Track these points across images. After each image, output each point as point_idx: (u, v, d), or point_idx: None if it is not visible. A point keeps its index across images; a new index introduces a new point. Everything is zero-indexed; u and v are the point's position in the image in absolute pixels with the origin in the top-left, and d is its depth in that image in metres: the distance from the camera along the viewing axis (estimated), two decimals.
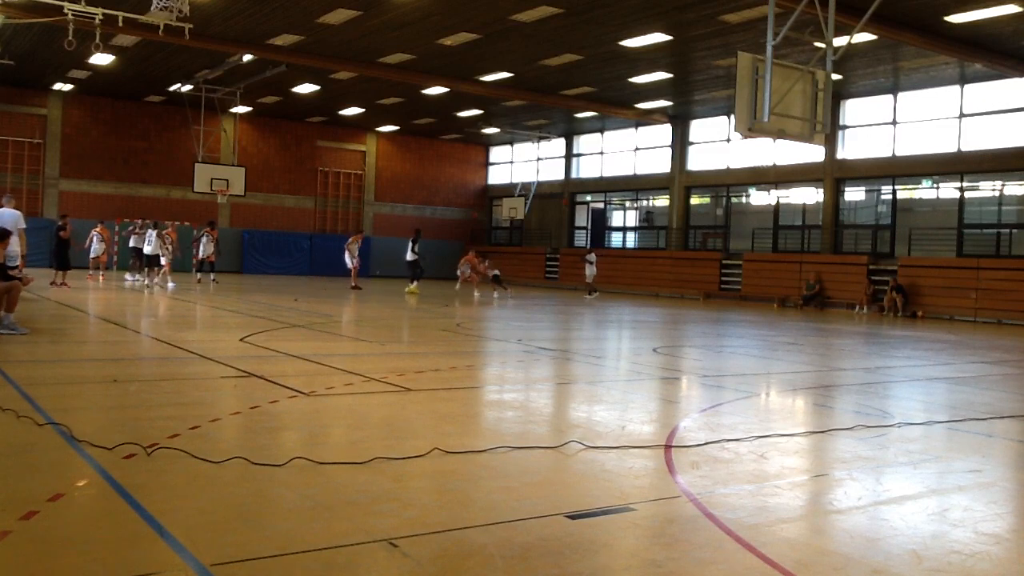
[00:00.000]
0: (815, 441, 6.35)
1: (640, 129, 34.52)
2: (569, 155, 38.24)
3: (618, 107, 30.24)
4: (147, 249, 24.06)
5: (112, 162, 34.30)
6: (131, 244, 26.66)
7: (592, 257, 28.56)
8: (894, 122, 26.08)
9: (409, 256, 25.69)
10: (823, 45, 13.73)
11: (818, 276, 26.96)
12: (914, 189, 26.79)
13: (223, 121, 33.79)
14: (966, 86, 24.16)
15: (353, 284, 26.26)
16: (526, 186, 38.78)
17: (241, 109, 33.51)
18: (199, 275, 26.58)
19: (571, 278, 34.99)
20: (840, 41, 14.36)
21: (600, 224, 37.67)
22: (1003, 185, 24.56)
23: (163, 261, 24.38)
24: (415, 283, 25.51)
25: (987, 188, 25.05)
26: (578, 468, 5.19)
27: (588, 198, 37.75)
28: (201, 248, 26.50)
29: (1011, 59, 20.92)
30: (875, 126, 26.69)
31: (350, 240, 26.88)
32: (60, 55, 25.17)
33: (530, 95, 28.54)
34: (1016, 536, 4.25)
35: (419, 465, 5.05)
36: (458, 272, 27.35)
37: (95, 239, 25.59)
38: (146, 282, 24.00)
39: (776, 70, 12.96)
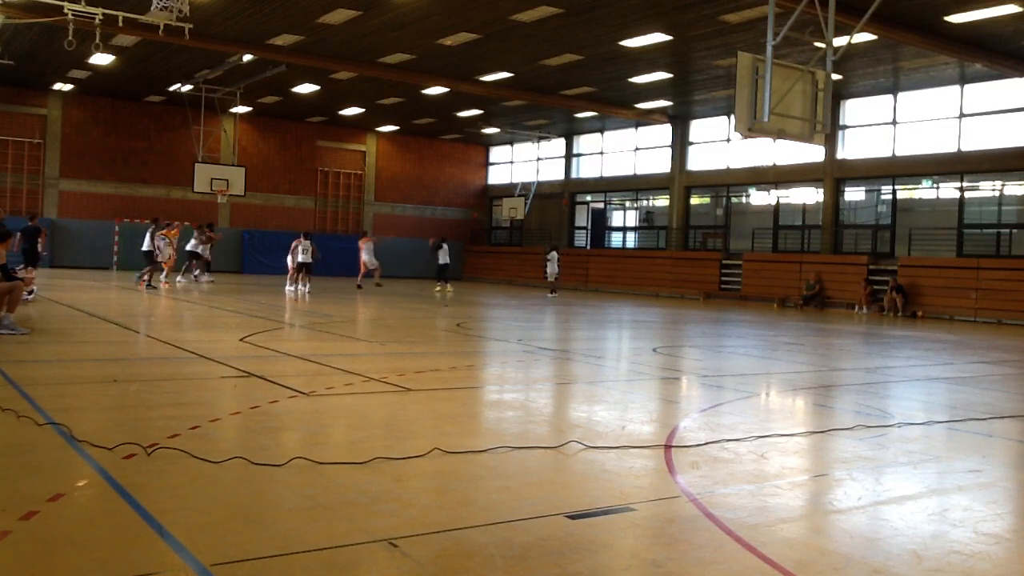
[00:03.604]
0: (815, 441, 6.35)
1: (640, 129, 34.52)
2: (569, 155, 38.23)
3: (618, 107, 30.24)
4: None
5: (112, 162, 34.30)
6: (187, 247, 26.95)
7: (553, 255, 28.34)
8: (894, 122, 26.08)
9: (442, 260, 27.93)
10: (823, 45, 13.73)
11: (818, 276, 26.96)
12: (914, 189, 26.78)
13: (223, 121, 33.78)
14: (966, 86, 24.16)
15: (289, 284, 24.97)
16: (526, 186, 38.78)
17: (241, 109, 33.50)
18: (179, 276, 26.74)
19: (571, 278, 35.02)
20: (840, 41, 14.36)
21: (600, 224, 37.66)
22: (1003, 185, 24.55)
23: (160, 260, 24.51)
24: (447, 283, 27.73)
25: (987, 188, 25.05)
26: (578, 468, 5.19)
27: (588, 198, 37.75)
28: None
29: (1011, 59, 20.92)
30: (875, 126, 26.69)
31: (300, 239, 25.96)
32: (60, 55, 25.17)
33: (530, 95, 28.54)
34: (1016, 536, 4.25)
35: (419, 465, 5.05)
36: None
37: (162, 243, 25.28)
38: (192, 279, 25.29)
39: (776, 70, 12.95)
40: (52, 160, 33.23)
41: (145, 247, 23.14)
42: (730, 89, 23.44)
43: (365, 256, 26.77)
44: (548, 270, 28.43)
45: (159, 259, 23.60)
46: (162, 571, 3.29)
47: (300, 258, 23.99)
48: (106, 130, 34.15)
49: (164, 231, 24.37)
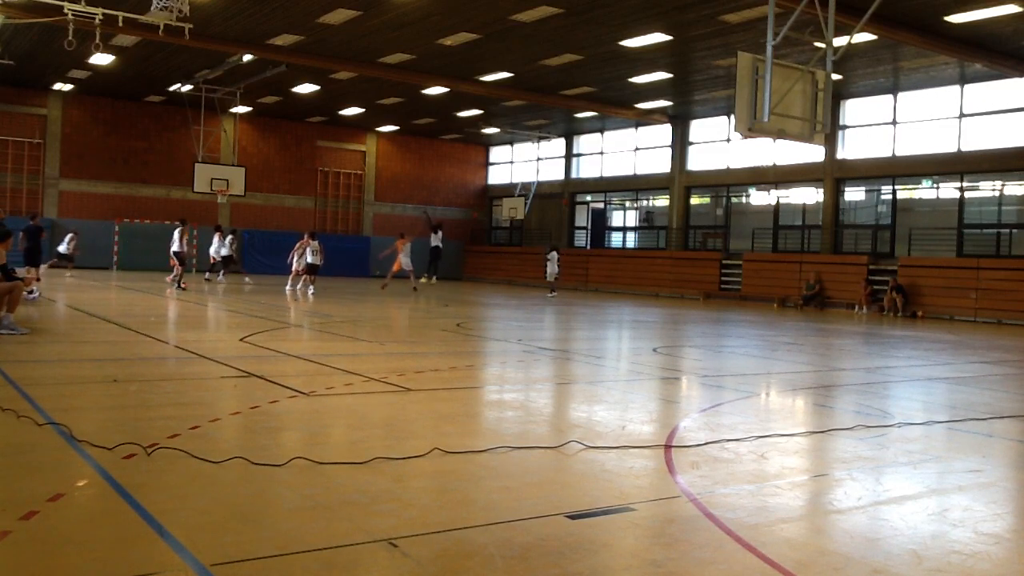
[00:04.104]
0: (815, 441, 6.35)
1: (640, 129, 34.52)
2: (569, 155, 38.23)
3: (618, 107, 30.24)
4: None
5: (112, 162, 34.30)
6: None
7: (553, 255, 28.26)
8: (894, 122, 26.08)
9: (434, 243, 28.04)
10: (823, 45, 13.73)
11: (818, 276, 26.96)
12: (914, 189, 26.79)
13: (223, 121, 33.78)
14: (966, 86, 24.16)
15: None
16: (526, 186, 38.78)
17: (241, 109, 33.50)
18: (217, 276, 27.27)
19: (571, 278, 35.02)
20: (840, 41, 14.36)
21: (600, 224, 37.66)
22: (1003, 185, 24.55)
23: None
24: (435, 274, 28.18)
25: (987, 188, 25.05)
26: (578, 468, 5.19)
27: (588, 198, 37.75)
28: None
29: (1011, 59, 20.92)
30: (875, 126, 26.69)
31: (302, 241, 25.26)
32: (60, 55, 25.16)
33: (530, 95, 28.54)
34: (1016, 536, 4.25)
35: (419, 465, 5.05)
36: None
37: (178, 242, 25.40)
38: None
39: (776, 70, 12.95)
40: (52, 160, 33.23)
41: (175, 248, 23.16)
42: (730, 89, 23.44)
43: (403, 258, 26.41)
44: (548, 270, 28.40)
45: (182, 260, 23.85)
46: (162, 571, 3.29)
47: (308, 259, 23.66)
48: (106, 130, 34.15)
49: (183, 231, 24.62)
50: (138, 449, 5.05)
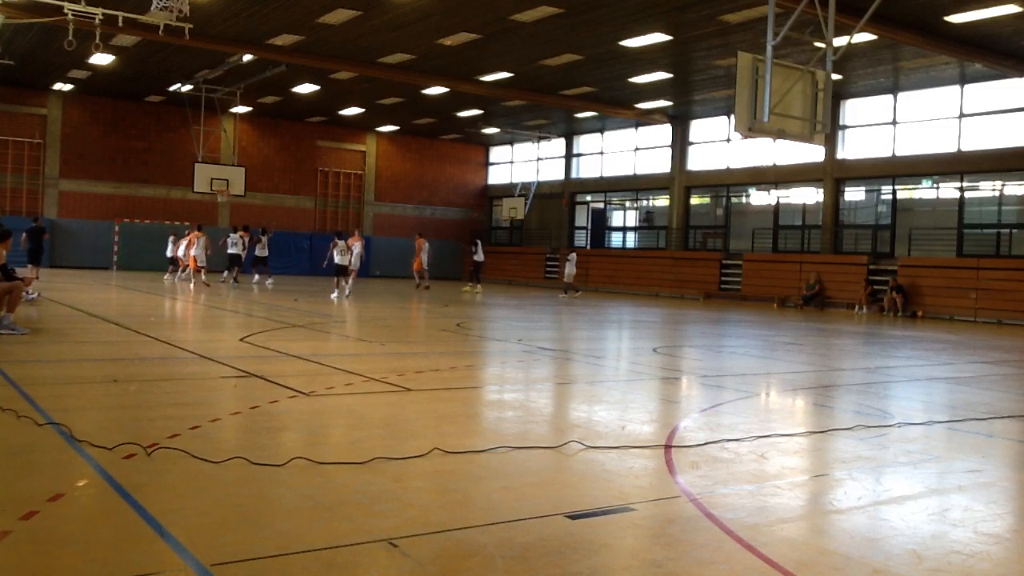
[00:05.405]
0: (815, 441, 6.35)
1: (640, 129, 34.51)
2: (569, 155, 38.23)
3: (618, 107, 30.24)
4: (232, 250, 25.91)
5: (112, 162, 34.29)
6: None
7: (572, 256, 28.45)
8: (894, 122, 26.08)
9: (479, 258, 29.50)
10: (823, 45, 13.73)
11: (818, 276, 26.96)
12: (914, 189, 26.78)
13: (223, 121, 33.78)
14: (966, 86, 24.16)
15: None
16: (526, 186, 38.76)
17: (241, 109, 33.49)
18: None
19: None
20: (840, 41, 14.36)
21: (600, 224, 37.65)
22: (1003, 185, 24.55)
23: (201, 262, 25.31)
24: (477, 284, 29.11)
25: (987, 188, 25.05)
26: (578, 468, 5.19)
27: (588, 198, 37.74)
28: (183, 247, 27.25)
29: (1011, 59, 20.92)
30: (875, 126, 26.69)
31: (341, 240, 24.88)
32: (60, 55, 25.16)
33: (530, 95, 28.54)
34: (1016, 536, 4.25)
35: (419, 465, 5.05)
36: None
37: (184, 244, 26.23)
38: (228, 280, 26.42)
39: (776, 70, 12.95)
40: (52, 160, 33.21)
41: (232, 251, 25.41)
42: (730, 89, 23.41)
43: (423, 256, 28.11)
44: (567, 271, 28.35)
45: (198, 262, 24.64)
46: (162, 571, 3.29)
47: (336, 260, 22.69)
48: (106, 130, 34.13)
49: (188, 235, 25.08)
50: (138, 449, 5.05)
